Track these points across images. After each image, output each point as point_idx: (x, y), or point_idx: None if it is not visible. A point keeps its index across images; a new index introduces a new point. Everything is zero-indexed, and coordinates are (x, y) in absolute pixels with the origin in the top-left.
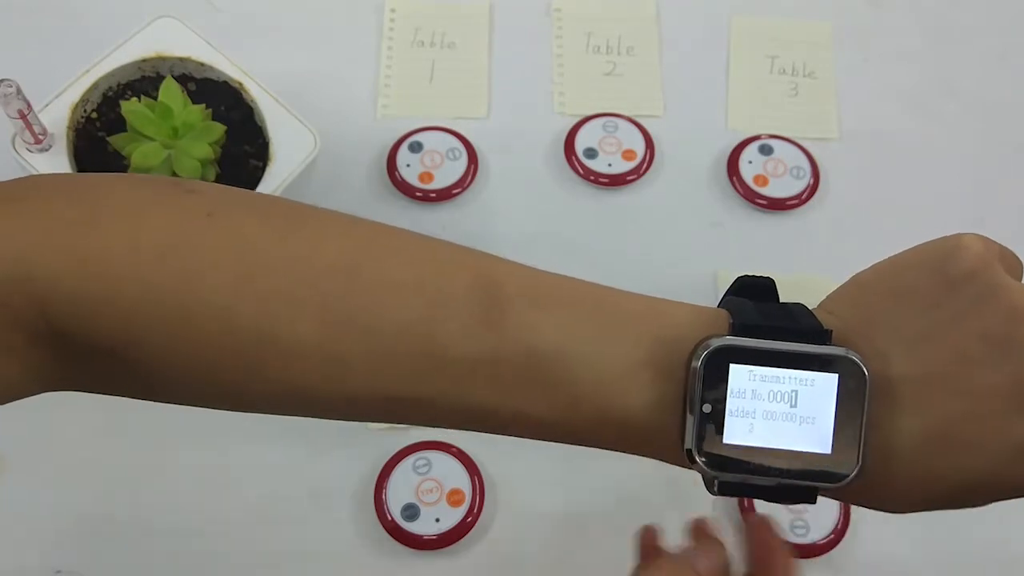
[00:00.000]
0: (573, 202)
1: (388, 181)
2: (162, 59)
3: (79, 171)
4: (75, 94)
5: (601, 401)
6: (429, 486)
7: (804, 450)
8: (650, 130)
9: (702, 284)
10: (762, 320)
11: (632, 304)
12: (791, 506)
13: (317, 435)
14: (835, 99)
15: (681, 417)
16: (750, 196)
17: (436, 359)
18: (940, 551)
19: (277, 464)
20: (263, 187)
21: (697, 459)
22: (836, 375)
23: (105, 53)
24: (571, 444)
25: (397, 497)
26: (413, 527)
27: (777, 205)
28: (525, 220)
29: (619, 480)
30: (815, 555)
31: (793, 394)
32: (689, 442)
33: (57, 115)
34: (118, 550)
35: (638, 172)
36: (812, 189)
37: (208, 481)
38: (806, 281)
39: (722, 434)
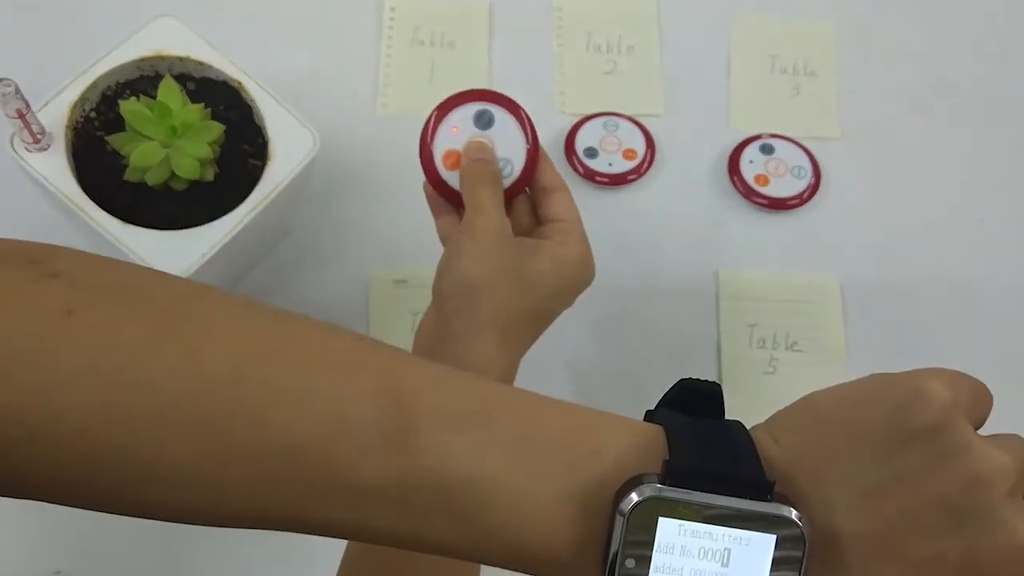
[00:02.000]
0: None
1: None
2: (161, 58)
3: (78, 170)
4: (74, 93)
5: (517, 536)
6: None
7: None
8: (651, 129)
9: (702, 284)
10: (699, 464)
11: (556, 423)
12: None
13: None
14: (836, 98)
15: (602, 563)
16: (751, 195)
17: (332, 485)
18: None
19: None
20: (262, 186)
21: None
22: (775, 536)
23: (104, 52)
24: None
25: None
26: None
27: (778, 204)
28: None
29: None
30: None
31: (726, 553)
32: None
33: (56, 114)
34: (118, 550)
35: (639, 171)
36: (813, 188)
37: None
38: (806, 281)
39: None
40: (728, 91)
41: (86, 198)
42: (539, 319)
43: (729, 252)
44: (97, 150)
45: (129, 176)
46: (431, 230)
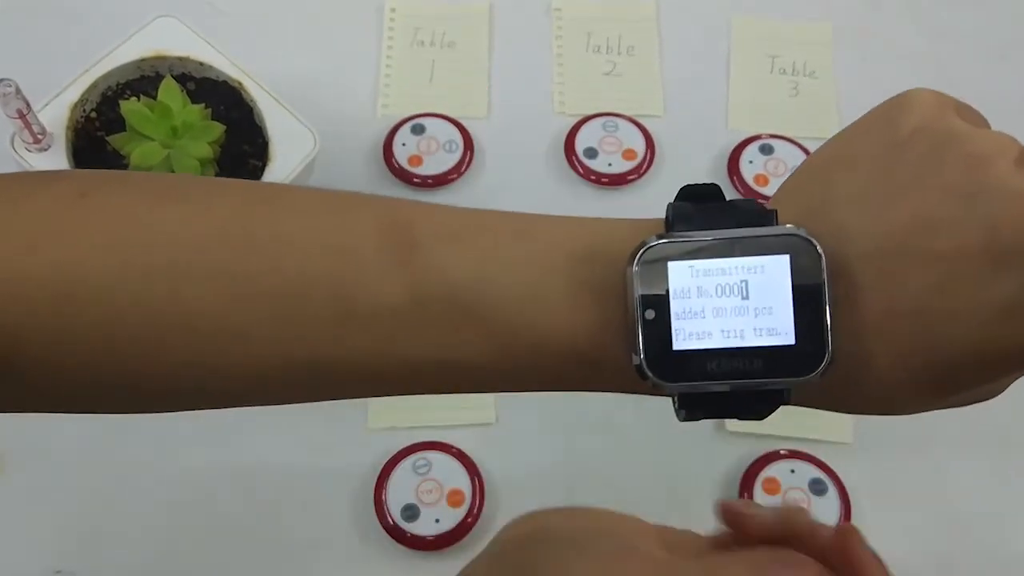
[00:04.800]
0: (573, 202)
1: (385, 166)
2: (161, 58)
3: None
4: (74, 94)
5: (537, 329)
6: (429, 486)
7: (765, 344)
8: (650, 130)
9: None
10: (696, 212)
11: (558, 224)
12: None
13: (317, 436)
14: (836, 99)
15: (625, 332)
16: (751, 196)
17: (348, 313)
18: (940, 550)
19: (277, 464)
20: None
21: (648, 374)
22: (787, 256)
23: (104, 52)
24: (510, 390)
25: (397, 498)
26: (413, 528)
27: None
28: None
29: (619, 482)
30: None
31: (743, 284)
32: (637, 357)
33: (56, 115)
34: (118, 550)
35: (638, 172)
36: None
37: (207, 482)
38: None
39: (671, 341)
40: (728, 91)
41: None
42: None
43: None
44: (98, 150)
45: None
46: None
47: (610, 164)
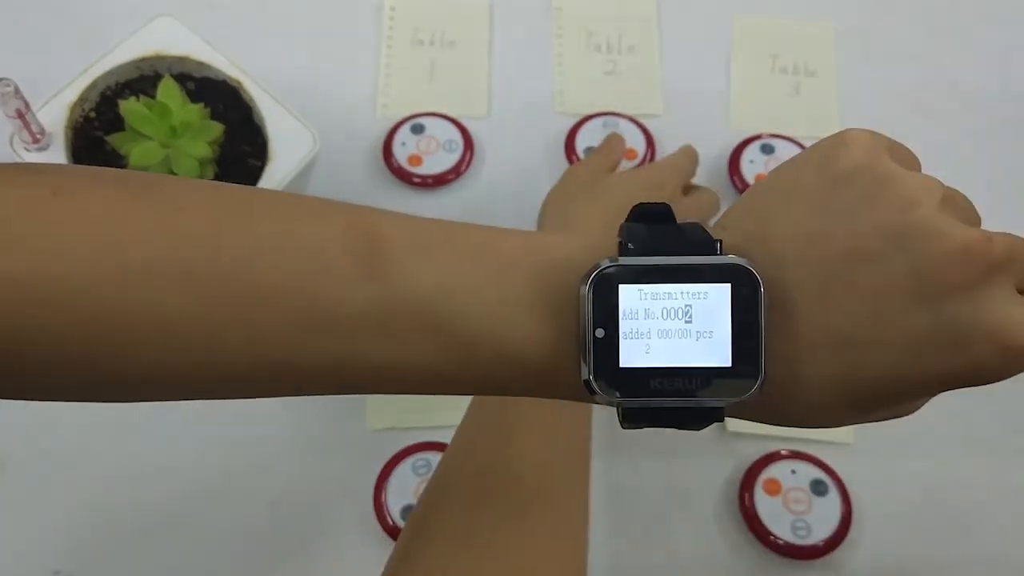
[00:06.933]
0: None
1: (385, 166)
2: (160, 58)
3: None
4: (73, 93)
5: (496, 342)
6: None
7: (704, 365)
8: (651, 129)
9: None
10: (650, 237)
11: (517, 240)
12: (794, 499)
13: (316, 437)
14: (837, 98)
15: (577, 349)
16: None
17: (316, 319)
18: (940, 554)
19: (276, 466)
20: (262, 186)
21: (596, 389)
22: (728, 284)
23: (103, 52)
24: (469, 394)
25: (397, 498)
26: None
27: None
28: (526, 219)
29: (618, 481)
30: (816, 557)
31: (687, 309)
32: (586, 372)
33: (55, 114)
34: (117, 550)
35: None
36: None
37: (208, 482)
38: None
39: (618, 359)
40: (728, 91)
41: None
42: None
43: None
44: (97, 150)
45: None
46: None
47: None
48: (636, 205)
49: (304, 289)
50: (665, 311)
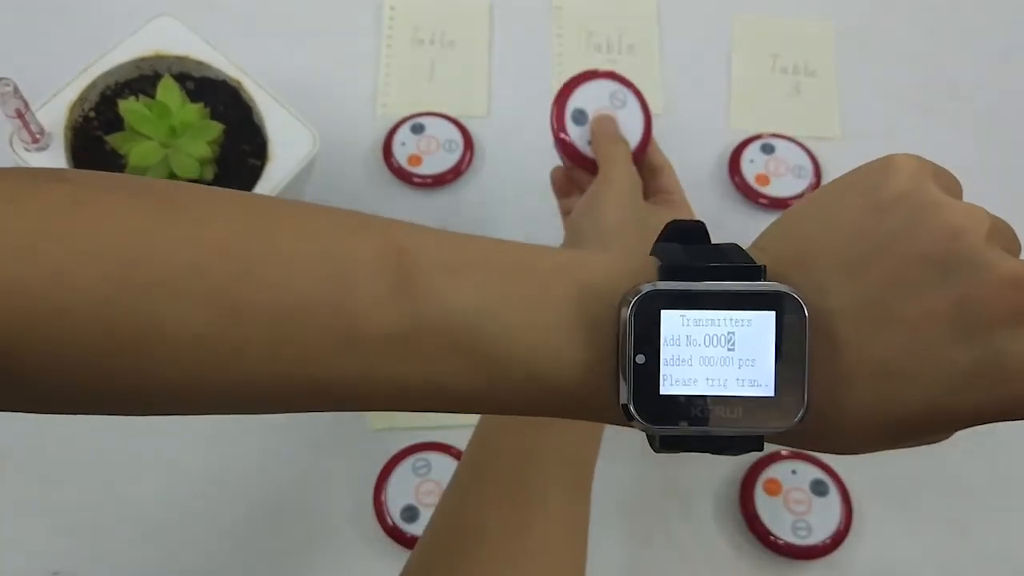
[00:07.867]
0: None
1: (385, 166)
2: (160, 58)
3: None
4: (73, 93)
5: (529, 364)
6: (429, 488)
7: (746, 394)
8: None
9: None
10: (691, 261)
11: (553, 258)
12: (794, 499)
13: (316, 437)
14: (837, 98)
15: (614, 372)
16: (752, 195)
17: (345, 337)
18: (942, 554)
19: (276, 466)
20: (261, 186)
21: (634, 415)
22: (773, 312)
23: (103, 52)
24: (497, 414)
25: (397, 499)
26: (413, 529)
27: (779, 204)
28: (526, 219)
29: (618, 482)
30: (817, 557)
31: (730, 336)
32: (624, 397)
33: (55, 114)
34: (117, 550)
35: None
36: (814, 188)
37: (208, 482)
38: None
39: (658, 386)
40: (728, 91)
41: None
42: None
43: None
44: (96, 150)
45: None
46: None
47: None
48: (670, 222)
49: (332, 307)
50: (708, 338)
